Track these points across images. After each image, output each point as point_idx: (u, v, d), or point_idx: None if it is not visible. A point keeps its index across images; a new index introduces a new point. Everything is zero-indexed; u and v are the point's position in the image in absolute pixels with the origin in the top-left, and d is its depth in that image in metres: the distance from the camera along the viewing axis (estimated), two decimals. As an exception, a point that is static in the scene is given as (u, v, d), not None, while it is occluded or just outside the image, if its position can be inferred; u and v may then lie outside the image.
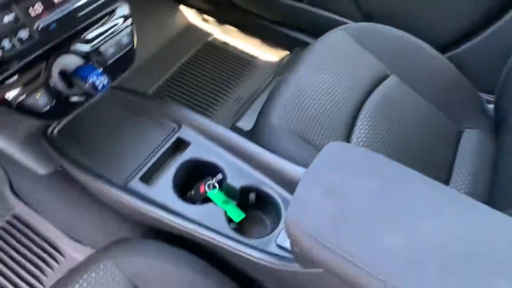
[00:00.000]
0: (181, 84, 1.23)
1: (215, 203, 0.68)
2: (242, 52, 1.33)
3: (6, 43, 0.49)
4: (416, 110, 0.86)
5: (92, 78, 0.57)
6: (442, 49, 0.96)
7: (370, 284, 0.38)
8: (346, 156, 0.47)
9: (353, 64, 0.87)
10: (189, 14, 1.40)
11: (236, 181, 0.70)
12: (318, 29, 1.05)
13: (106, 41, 0.64)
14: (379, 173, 0.46)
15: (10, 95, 0.55)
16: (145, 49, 1.26)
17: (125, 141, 0.74)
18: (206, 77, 1.25)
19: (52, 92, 0.59)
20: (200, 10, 1.39)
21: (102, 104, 0.79)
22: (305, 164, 0.68)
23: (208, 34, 1.37)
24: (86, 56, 0.62)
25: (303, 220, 0.43)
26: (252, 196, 0.71)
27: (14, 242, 0.89)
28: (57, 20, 0.53)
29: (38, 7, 0.51)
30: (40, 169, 0.83)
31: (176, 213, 0.64)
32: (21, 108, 0.56)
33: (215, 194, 0.70)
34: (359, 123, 0.80)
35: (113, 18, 0.64)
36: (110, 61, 0.65)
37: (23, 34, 0.50)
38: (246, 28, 1.36)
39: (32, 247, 0.89)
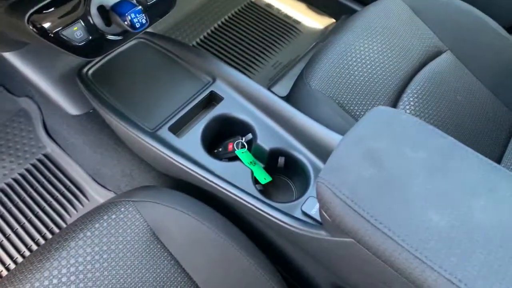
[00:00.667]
0: (218, 43, 1.19)
1: (242, 163, 0.66)
2: (286, 16, 1.27)
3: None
4: (469, 92, 0.78)
5: (130, 15, 0.55)
6: (510, 28, 0.86)
7: (405, 261, 0.35)
8: (393, 122, 0.43)
9: (406, 34, 0.80)
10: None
11: (266, 143, 0.67)
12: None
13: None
14: (428, 144, 0.41)
15: (48, 24, 0.53)
16: (187, 2, 1.22)
17: (158, 89, 0.72)
18: (246, 38, 1.20)
19: (89, 27, 0.57)
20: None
21: (139, 49, 0.77)
22: (341, 133, 0.64)
23: (252, -6, 1.31)
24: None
25: (338, 184, 0.39)
26: (281, 160, 0.68)
27: (43, 180, 0.92)
28: None
29: None
30: (72, 109, 0.83)
31: (202, 166, 0.63)
32: (57, 40, 0.55)
33: (243, 153, 0.67)
34: (405, 98, 0.74)
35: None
36: (150, 2, 0.62)
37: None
38: (292, -10, 1.30)
39: (59, 186, 0.91)
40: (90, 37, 0.57)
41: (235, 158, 0.67)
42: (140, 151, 0.71)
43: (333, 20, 1.25)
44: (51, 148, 0.94)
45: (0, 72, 0.95)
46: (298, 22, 1.26)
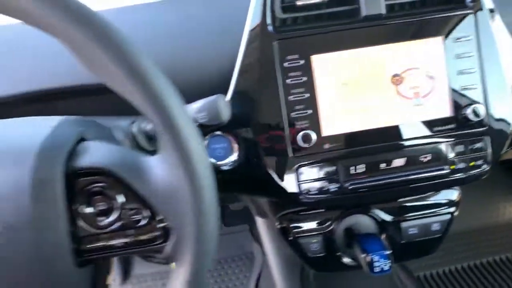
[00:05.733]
0: None
1: None
2: None
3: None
4: None
5: (374, 256, 0.48)
6: None
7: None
8: None
9: None
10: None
11: None
12: None
13: (413, 218, 0.53)
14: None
15: (291, 224, 0.54)
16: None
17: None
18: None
19: (328, 245, 0.54)
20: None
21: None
22: None
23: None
24: (381, 224, 0.54)
25: None
26: None
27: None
28: (373, 187, 0.47)
29: (360, 169, 0.47)
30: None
31: None
32: (294, 243, 0.54)
33: None
34: None
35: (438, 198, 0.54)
36: (404, 241, 0.54)
37: (333, 186, 0.47)
38: None
39: None
40: (325, 253, 0.54)
41: None
42: None
43: None
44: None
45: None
46: None
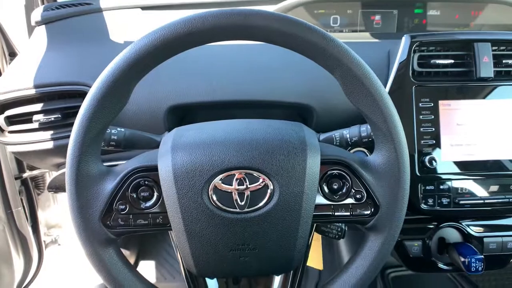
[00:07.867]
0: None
1: None
2: None
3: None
4: None
5: (471, 259, 0.61)
6: None
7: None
8: None
9: None
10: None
11: None
12: None
13: (495, 236, 0.67)
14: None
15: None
16: None
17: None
18: None
19: (425, 249, 0.67)
20: None
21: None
22: None
23: None
24: (467, 237, 0.68)
25: None
26: None
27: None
28: (476, 204, 0.62)
29: (467, 188, 0.62)
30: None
31: None
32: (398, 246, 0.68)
33: None
34: None
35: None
36: (485, 253, 0.67)
37: (445, 200, 0.62)
38: None
39: None
40: (422, 255, 0.67)
41: None
42: None
43: None
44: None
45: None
46: None
